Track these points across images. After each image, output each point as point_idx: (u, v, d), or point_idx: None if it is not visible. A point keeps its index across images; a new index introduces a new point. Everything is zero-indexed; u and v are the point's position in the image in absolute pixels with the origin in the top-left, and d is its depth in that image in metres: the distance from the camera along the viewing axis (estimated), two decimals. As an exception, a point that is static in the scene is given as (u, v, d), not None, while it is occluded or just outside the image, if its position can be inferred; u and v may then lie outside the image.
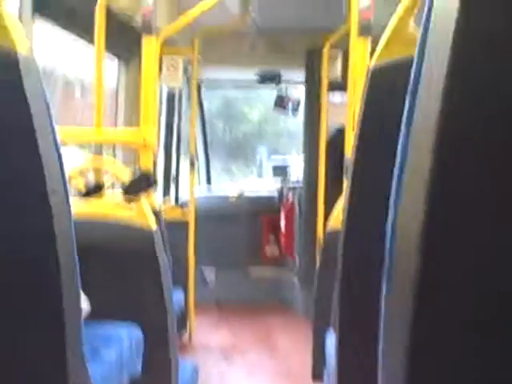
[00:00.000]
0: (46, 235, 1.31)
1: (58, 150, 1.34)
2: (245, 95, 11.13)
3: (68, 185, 1.43)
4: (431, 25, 0.69)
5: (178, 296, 3.55)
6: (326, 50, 4.27)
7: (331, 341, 2.01)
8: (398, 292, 0.74)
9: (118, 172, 2.59)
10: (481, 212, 0.64)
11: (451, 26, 0.62)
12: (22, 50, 1.23)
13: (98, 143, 3.11)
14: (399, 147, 0.75)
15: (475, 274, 0.64)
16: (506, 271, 0.63)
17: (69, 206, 1.39)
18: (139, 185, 2.30)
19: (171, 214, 4.21)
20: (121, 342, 1.89)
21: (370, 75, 1.33)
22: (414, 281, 0.66)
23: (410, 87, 0.74)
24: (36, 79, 1.29)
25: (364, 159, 1.37)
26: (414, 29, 1.35)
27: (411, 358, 0.67)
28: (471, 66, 0.62)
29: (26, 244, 1.33)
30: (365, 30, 2.70)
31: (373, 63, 1.33)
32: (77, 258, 1.42)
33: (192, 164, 4.36)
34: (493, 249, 0.64)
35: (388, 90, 1.29)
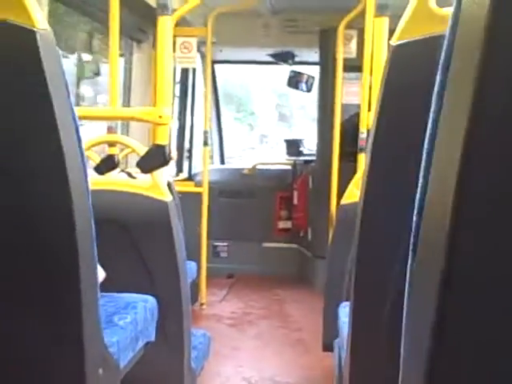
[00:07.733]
0: (63, 205, 1.36)
1: (75, 122, 1.38)
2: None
3: (85, 157, 1.48)
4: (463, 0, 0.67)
5: (190, 268, 3.60)
6: (340, 30, 4.25)
7: (344, 312, 2.04)
8: (424, 269, 0.71)
9: (135, 146, 2.65)
10: None
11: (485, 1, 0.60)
12: (40, 27, 1.29)
13: (114, 121, 3.16)
14: (429, 121, 0.72)
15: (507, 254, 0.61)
16: None
17: (86, 178, 1.44)
18: (154, 160, 2.34)
19: (184, 187, 4.26)
20: (136, 310, 1.94)
21: (392, 52, 1.37)
22: (442, 260, 0.63)
23: (441, 62, 0.72)
24: (54, 54, 1.34)
25: (384, 134, 1.41)
26: (434, 7, 1.37)
27: (435, 337, 0.65)
28: (506, 40, 0.60)
29: (44, 214, 1.38)
30: (383, 9, 2.73)
31: (395, 40, 1.37)
32: (94, 226, 1.48)
33: (206, 137, 4.41)
34: None
35: (410, 66, 1.33)
